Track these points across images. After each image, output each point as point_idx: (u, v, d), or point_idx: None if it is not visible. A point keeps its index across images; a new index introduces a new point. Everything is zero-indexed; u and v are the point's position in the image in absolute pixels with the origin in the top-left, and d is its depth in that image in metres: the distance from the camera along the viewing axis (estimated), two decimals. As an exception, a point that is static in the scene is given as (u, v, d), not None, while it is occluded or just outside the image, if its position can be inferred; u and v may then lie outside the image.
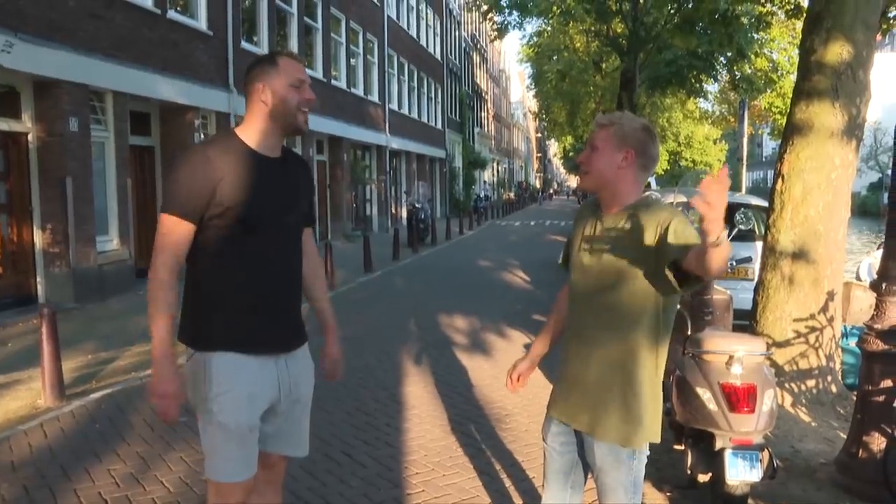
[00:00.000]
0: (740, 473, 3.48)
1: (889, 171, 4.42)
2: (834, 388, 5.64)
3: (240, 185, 2.51)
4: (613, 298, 2.51)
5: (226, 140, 2.61)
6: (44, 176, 10.52)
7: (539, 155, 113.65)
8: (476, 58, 54.42)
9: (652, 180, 41.48)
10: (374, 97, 27.14)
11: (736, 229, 5.41)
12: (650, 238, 2.39)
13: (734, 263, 5.27)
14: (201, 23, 14.76)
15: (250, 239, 2.54)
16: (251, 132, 2.60)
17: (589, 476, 2.74)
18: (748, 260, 5.61)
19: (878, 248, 13.05)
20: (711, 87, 35.03)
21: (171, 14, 13.57)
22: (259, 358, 2.60)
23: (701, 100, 36.56)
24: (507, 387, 2.93)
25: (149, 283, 2.49)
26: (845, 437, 4.53)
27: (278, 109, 2.56)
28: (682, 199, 8.76)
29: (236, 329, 2.55)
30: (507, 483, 4.42)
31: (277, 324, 2.65)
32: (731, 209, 8.14)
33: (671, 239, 2.31)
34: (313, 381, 2.89)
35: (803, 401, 5.52)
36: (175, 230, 2.48)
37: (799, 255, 5.61)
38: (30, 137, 10.49)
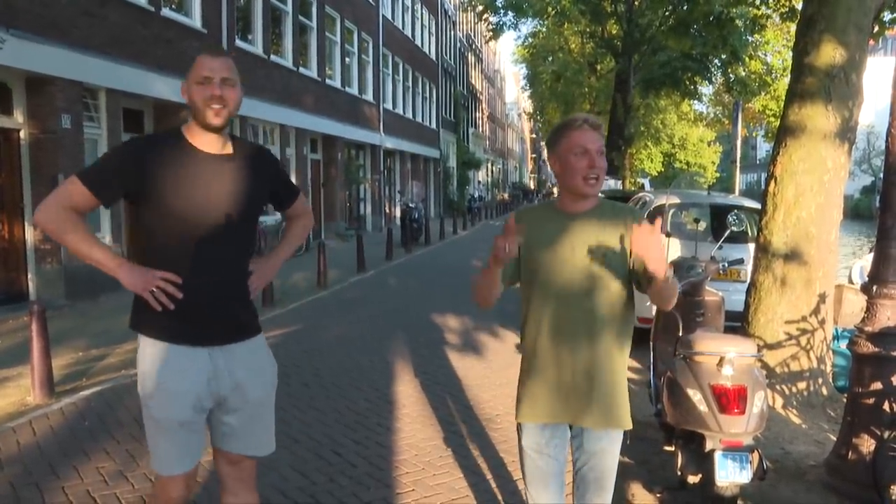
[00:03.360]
0: (730, 475, 3.48)
1: (881, 175, 4.42)
2: (824, 391, 5.65)
3: (169, 181, 2.56)
4: (604, 294, 2.60)
5: (168, 136, 2.70)
6: (36, 173, 10.47)
7: (533, 156, 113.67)
8: (471, 58, 54.41)
9: (646, 182, 41.61)
10: (369, 96, 27.10)
11: (728, 231, 5.41)
12: (626, 243, 2.58)
13: (726, 265, 5.28)
14: (195, 21, 14.72)
15: (179, 233, 2.58)
16: (193, 130, 2.65)
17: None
18: (740, 262, 5.62)
19: (869, 251, 13.09)
20: (706, 90, 35.14)
21: (166, 12, 13.52)
22: (191, 350, 2.62)
23: (695, 102, 36.68)
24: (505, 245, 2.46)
25: (51, 234, 2.58)
26: (835, 439, 4.54)
27: (192, 108, 2.60)
28: (675, 200, 8.78)
29: (165, 319, 2.56)
30: (497, 483, 4.41)
31: (207, 317, 2.63)
32: (724, 211, 8.16)
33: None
34: (273, 382, 2.87)
35: (794, 403, 5.53)
36: (72, 191, 2.56)
37: (791, 257, 5.63)
38: (22, 134, 10.44)
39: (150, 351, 2.62)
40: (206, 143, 2.63)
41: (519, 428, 2.78)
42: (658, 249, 2.40)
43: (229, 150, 2.68)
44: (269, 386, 2.84)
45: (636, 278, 2.60)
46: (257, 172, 2.76)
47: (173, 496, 2.70)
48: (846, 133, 5.60)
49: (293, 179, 19.57)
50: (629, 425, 2.68)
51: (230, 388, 2.68)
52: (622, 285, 2.62)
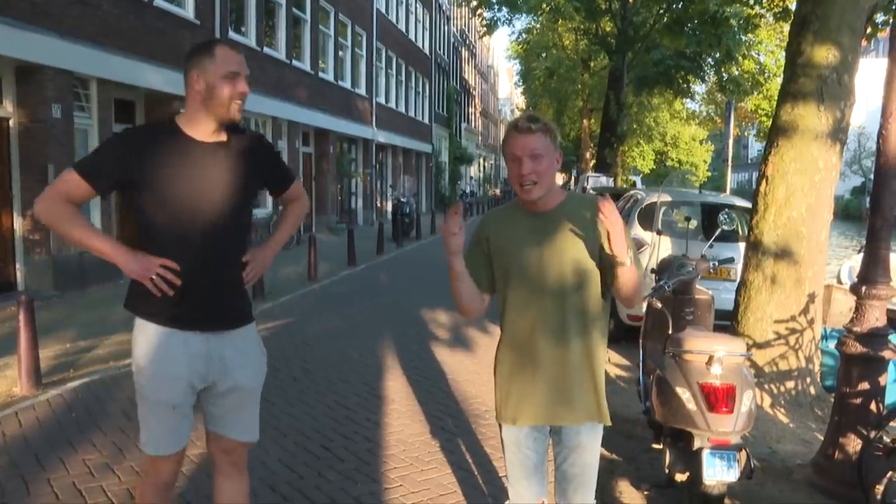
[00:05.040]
0: (718, 473, 3.48)
1: (872, 176, 4.44)
2: (813, 390, 5.67)
3: (164, 170, 2.58)
4: (581, 291, 2.62)
5: (160, 125, 2.71)
6: (25, 162, 10.39)
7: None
8: (464, 53, 54.35)
9: (637, 179, 41.66)
10: (362, 90, 27.04)
11: (719, 230, 5.41)
12: (597, 238, 2.57)
13: (716, 264, 5.28)
14: (189, 12, 14.63)
15: (175, 221, 2.61)
16: (188, 118, 2.66)
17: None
18: (730, 261, 5.61)
19: (858, 252, 13.14)
20: (699, 88, 35.23)
21: (158, 2, 13.43)
22: (185, 334, 2.65)
23: (688, 100, 36.78)
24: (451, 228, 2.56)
25: (48, 224, 2.62)
26: (822, 438, 4.55)
27: (209, 100, 2.60)
28: (667, 198, 8.78)
29: (162, 303, 2.60)
30: (485, 479, 4.41)
31: (202, 303, 2.67)
32: (715, 210, 8.17)
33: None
34: (262, 370, 2.91)
35: (782, 402, 5.54)
36: (69, 181, 2.59)
37: (781, 257, 5.64)
38: (11, 123, 10.35)
39: (146, 334, 2.66)
40: (201, 132, 2.64)
41: (499, 422, 2.80)
42: (619, 227, 2.42)
43: (223, 137, 2.69)
44: (258, 374, 2.89)
45: (604, 272, 2.62)
46: (252, 159, 2.78)
47: (162, 475, 2.77)
48: (838, 134, 5.61)
49: (285, 172, 19.59)
50: (607, 420, 2.70)
51: (221, 374, 2.73)
52: (595, 281, 2.63)
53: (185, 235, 2.61)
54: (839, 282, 9.88)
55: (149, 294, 2.57)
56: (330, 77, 23.48)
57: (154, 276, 2.54)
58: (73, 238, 2.62)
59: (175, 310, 2.62)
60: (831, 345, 6.22)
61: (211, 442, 2.90)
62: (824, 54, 5.49)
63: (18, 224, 10.44)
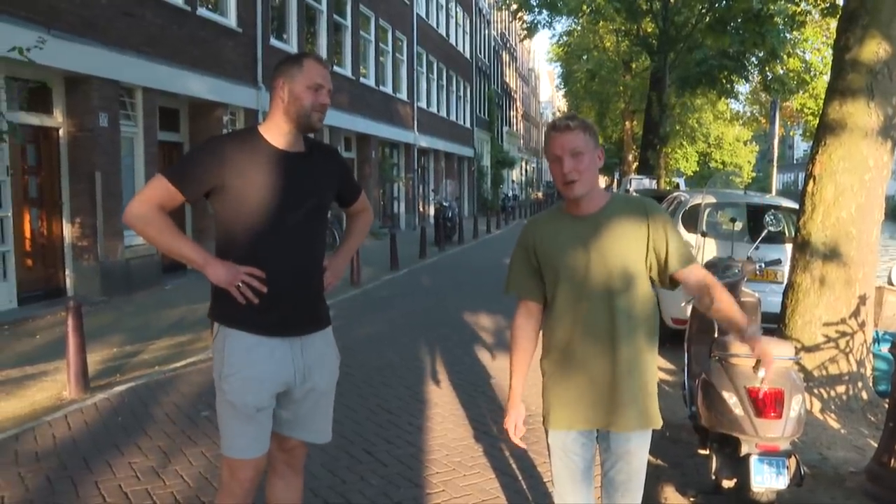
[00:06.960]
0: (766, 480, 3.41)
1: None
2: (865, 395, 5.53)
3: (250, 178, 2.64)
4: (628, 293, 2.58)
5: (245, 135, 2.78)
6: (74, 170, 10.63)
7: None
8: (505, 56, 54.29)
9: (681, 181, 41.20)
10: (403, 95, 27.15)
11: (765, 231, 5.30)
12: (643, 239, 2.56)
13: (763, 265, 5.17)
14: (231, 20, 14.84)
15: (262, 228, 2.66)
16: (271, 127, 2.72)
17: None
18: (777, 262, 5.49)
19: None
20: (742, 88, 34.74)
21: (201, 11, 13.65)
22: (271, 340, 2.69)
23: (731, 100, 36.24)
24: (515, 440, 2.83)
25: (139, 230, 2.65)
26: (876, 445, 4.42)
27: (292, 107, 2.67)
28: (711, 199, 8.65)
29: (248, 310, 2.63)
30: (528, 484, 4.37)
31: (289, 309, 2.73)
32: (761, 211, 8.02)
33: (673, 259, 2.57)
34: (336, 372, 2.97)
35: (832, 407, 5.41)
36: (159, 188, 2.65)
37: (830, 258, 5.50)
38: (61, 132, 10.60)
39: (231, 341, 2.69)
40: (284, 141, 2.72)
41: (546, 428, 2.76)
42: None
43: (302, 148, 2.78)
44: (334, 376, 2.96)
45: (656, 275, 2.62)
46: (328, 170, 2.88)
47: (245, 481, 2.78)
48: (889, 131, 5.47)
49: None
50: (659, 424, 2.65)
51: (302, 377, 2.78)
52: (644, 283, 2.61)
53: (269, 242, 2.67)
54: (890, 283, 9.62)
55: (234, 302, 2.62)
56: (371, 82, 23.61)
57: (240, 284, 2.59)
58: (160, 244, 2.68)
59: (261, 317, 2.66)
60: (884, 348, 6.07)
61: (273, 442, 2.90)
62: (874, 49, 5.36)
63: (68, 231, 10.67)
